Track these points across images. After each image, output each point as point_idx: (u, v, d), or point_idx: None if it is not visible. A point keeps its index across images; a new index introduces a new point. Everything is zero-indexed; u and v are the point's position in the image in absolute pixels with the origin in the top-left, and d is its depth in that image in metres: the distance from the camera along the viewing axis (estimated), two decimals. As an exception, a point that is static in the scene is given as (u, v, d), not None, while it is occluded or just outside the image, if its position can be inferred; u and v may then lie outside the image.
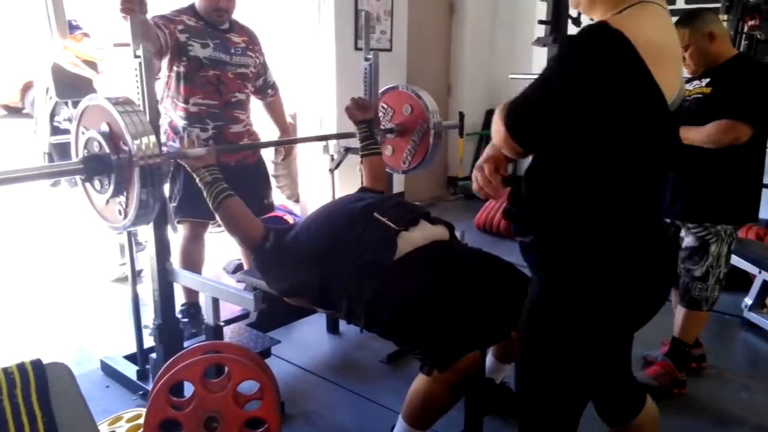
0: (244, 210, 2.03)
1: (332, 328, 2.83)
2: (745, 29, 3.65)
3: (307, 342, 2.74)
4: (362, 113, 2.50)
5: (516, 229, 1.30)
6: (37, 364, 0.93)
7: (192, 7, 2.47)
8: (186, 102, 2.43)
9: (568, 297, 1.22)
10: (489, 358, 2.07)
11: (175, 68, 2.40)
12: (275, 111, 2.88)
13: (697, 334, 2.40)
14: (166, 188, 2.53)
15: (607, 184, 1.18)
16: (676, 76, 1.20)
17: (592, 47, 1.09)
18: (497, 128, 1.23)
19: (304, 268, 1.89)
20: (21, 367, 0.92)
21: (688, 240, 2.28)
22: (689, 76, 2.35)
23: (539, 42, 4.26)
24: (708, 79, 2.22)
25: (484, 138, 6.08)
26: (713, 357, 2.54)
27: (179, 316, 2.40)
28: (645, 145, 1.17)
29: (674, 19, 2.26)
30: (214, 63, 2.43)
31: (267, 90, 2.77)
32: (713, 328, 2.85)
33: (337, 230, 1.90)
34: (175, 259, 2.39)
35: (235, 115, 2.54)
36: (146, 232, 2.09)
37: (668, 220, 2.39)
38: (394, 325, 1.69)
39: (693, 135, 2.19)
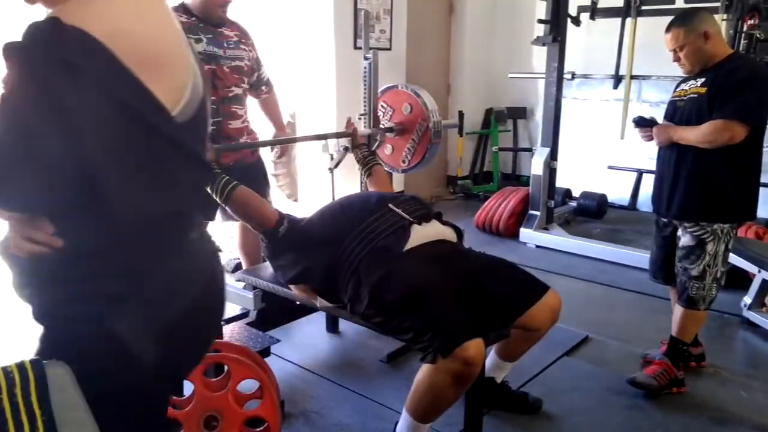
0: (254, 196, 2.06)
1: (332, 327, 2.83)
2: (745, 28, 3.66)
3: (306, 341, 2.73)
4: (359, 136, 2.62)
5: None
6: (36, 363, 0.93)
7: (182, 5, 2.46)
8: None
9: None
10: (491, 357, 2.07)
11: None
12: (270, 108, 2.88)
13: (694, 333, 2.41)
14: None
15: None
16: (175, 81, 0.92)
17: (45, 56, 0.80)
18: None
19: (315, 250, 1.92)
20: (20, 366, 0.92)
21: (684, 239, 2.27)
22: (685, 75, 2.35)
23: (538, 41, 4.27)
24: (703, 79, 2.22)
25: (483, 137, 6.09)
26: (712, 356, 2.54)
27: None
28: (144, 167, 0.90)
29: (671, 18, 2.29)
30: (208, 58, 2.42)
31: (261, 86, 2.76)
32: (712, 327, 2.85)
33: (350, 216, 1.94)
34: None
35: (233, 110, 2.54)
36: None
37: (665, 220, 2.39)
38: (398, 312, 1.70)
39: (688, 135, 2.19)
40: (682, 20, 2.24)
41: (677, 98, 2.33)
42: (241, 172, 2.56)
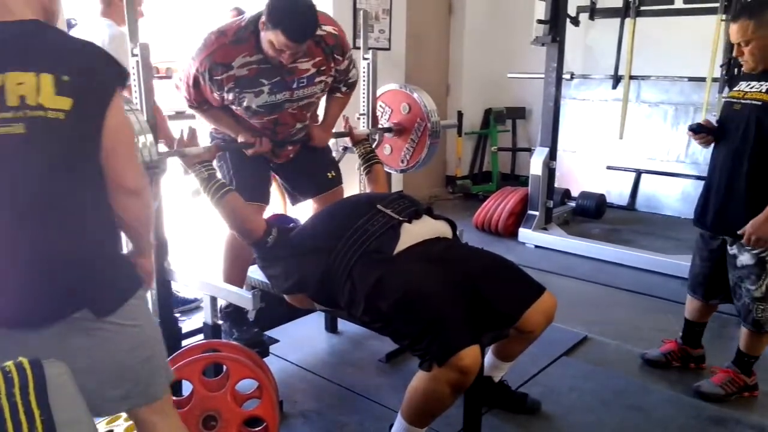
0: (244, 205, 2.04)
1: (331, 326, 2.83)
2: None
3: (305, 341, 2.73)
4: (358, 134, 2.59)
5: None
6: (35, 363, 0.93)
7: (257, 37, 2.03)
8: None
9: None
10: (488, 357, 2.07)
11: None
12: (332, 104, 2.49)
13: (762, 350, 2.24)
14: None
15: None
16: None
17: None
18: None
19: (308, 259, 1.89)
20: (19, 365, 0.92)
21: (743, 258, 2.08)
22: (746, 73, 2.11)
23: (537, 41, 4.27)
24: None
25: (482, 137, 6.09)
26: (712, 356, 2.54)
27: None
28: None
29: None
30: (269, 109, 2.17)
31: (341, 88, 2.44)
32: (712, 327, 2.83)
33: (340, 220, 1.92)
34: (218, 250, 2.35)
35: (293, 140, 2.38)
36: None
37: (710, 233, 2.21)
38: (394, 319, 1.69)
39: None
40: (752, 11, 1.97)
41: (734, 99, 2.10)
42: (306, 155, 2.47)
